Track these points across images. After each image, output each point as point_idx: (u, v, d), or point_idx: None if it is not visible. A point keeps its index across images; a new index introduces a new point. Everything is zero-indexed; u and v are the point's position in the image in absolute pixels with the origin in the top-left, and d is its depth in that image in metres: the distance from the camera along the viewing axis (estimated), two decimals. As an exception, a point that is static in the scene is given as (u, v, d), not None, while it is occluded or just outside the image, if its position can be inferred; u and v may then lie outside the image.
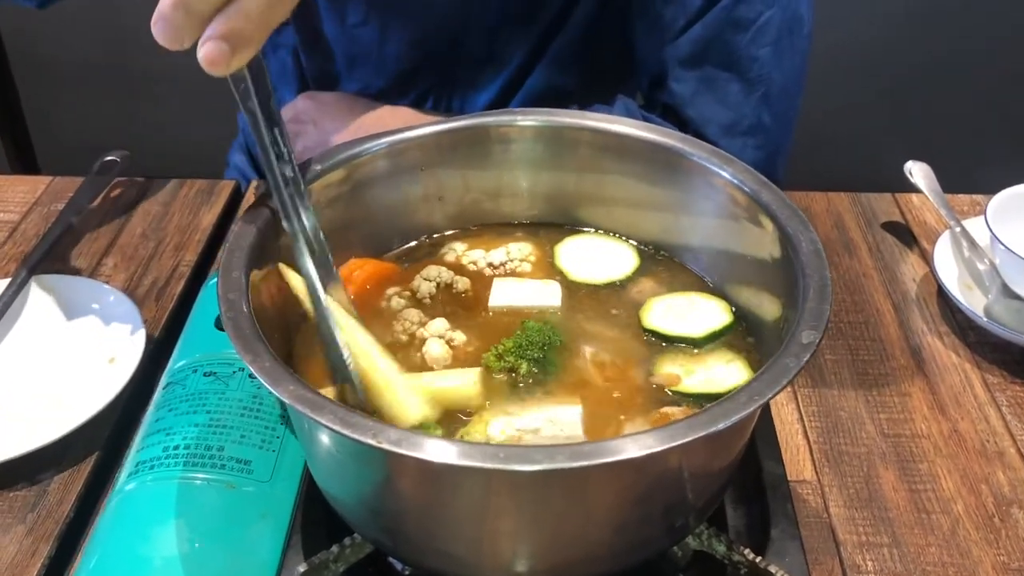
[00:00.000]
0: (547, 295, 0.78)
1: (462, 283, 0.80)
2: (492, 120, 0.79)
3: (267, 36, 0.58)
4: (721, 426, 0.52)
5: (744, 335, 0.75)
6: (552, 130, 0.79)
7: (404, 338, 0.75)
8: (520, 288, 0.79)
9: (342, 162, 0.75)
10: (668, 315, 0.75)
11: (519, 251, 0.83)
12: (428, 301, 0.78)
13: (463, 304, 0.78)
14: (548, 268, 0.82)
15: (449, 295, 0.79)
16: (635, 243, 0.84)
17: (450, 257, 0.83)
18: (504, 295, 0.78)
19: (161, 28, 0.57)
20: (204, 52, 0.57)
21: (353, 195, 0.78)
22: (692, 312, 0.76)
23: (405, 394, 0.65)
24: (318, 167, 0.74)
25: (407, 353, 0.73)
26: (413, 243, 0.85)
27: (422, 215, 0.83)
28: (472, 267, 0.82)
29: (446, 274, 0.80)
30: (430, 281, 0.80)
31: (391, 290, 0.80)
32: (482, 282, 0.80)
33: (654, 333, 0.75)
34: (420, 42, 1.17)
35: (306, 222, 0.67)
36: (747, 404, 0.54)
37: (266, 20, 0.58)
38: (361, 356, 0.67)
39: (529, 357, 0.70)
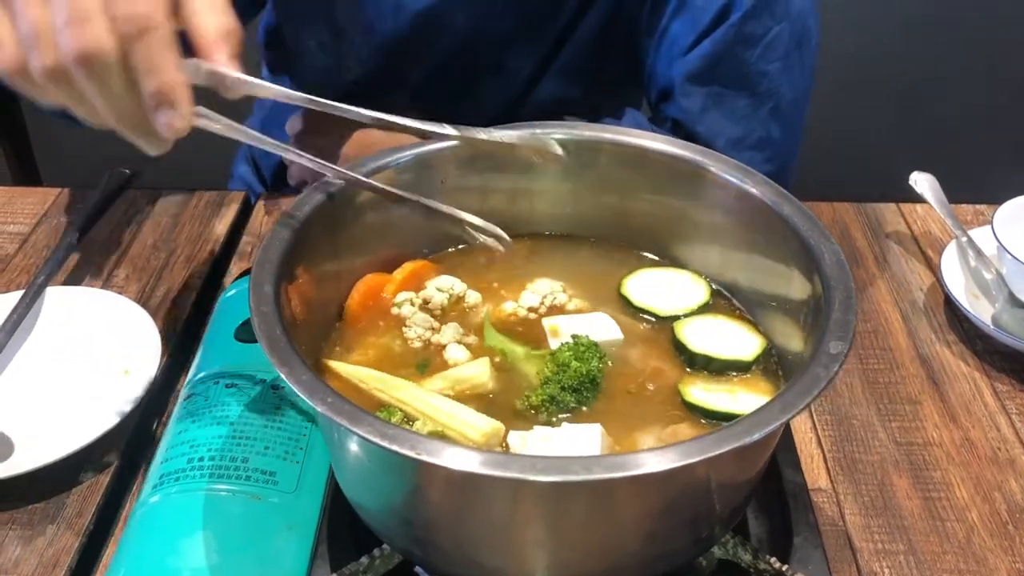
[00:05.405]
0: (607, 330, 0.76)
1: (473, 297, 0.81)
2: (517, 134, 0.79)
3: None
4: (756, 436, 0.53)
5: (767, 352, 0.75)
6: (573, 143, 0.80)
7: (418, 344, 0.76)
8: (577, 327, 0.76)
9: (367, 175, 0.76)
10: (706, 337, 0.74)
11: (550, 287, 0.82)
12: (439, 312, 0.80)
13: (467, 319, 0.79)
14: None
15: (459, 308, 0.81)
16: (652, 256, 0.85)
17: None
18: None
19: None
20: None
21: (375, 208, 0.78)
22: (724, 334, 0.75)
23: (469, 415, 0.66)
24: (342, 180, 0.75)
25: (425, 358, 0.75)
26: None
27: (441, 228, 0.84)
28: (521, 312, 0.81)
29: (459, 286, 0.81)
30: (442, 292, 0.81)
31: (402, 296, 0.80)
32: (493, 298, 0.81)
33: (704, 357, 0.73)
34: (432, 56, 1.17)
35: None
36: (781, 414, 0.55)
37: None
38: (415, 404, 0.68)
39: (569, 388, 0.69)
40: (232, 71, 0.61)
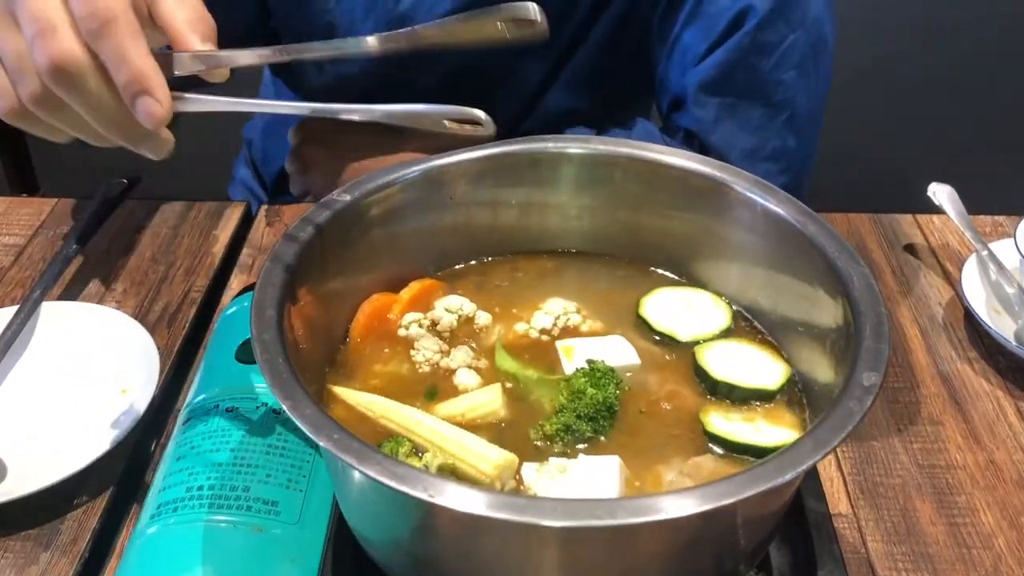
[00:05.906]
0: (624, 355, 0.73)
1: (483, 318, 0.78)
2: (527, 147, 0.76)
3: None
4: (789, 476, 0.50)
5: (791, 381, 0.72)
6: (589, 157, 0.77)
7: (427, 368, 0.74)
8: (592, 351, 0.73)
9: (374, 191, 0.73)
10: (729, 364, 0.71)
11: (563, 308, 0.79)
12: (448, 334, 0.77)
13: (478, 341, 0.77)
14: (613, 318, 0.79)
15: (468, 329, 0.78)
16: (669, 275, 0.82)
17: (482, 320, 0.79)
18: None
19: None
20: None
21: (382, 224, 0.75)
22: (748, 360, 0.72)
23: (481, 446, 0.64)
24: (348, 197, 0.72)
25: (433, 383, 0.73)
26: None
27: (450, 245, 0.81)
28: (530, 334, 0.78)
29: (468, 306, 0.79)
30: (451, 312, 0.78)
31: (409, 317, 0.78)
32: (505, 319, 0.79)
33: (727, 386, 0.70)
34: (441, 63, 1.14)
35: None
36: (813, 453, 0.52)
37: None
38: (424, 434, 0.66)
39: (585, 416, 0.67)
40: (205, 48, 0.62)
